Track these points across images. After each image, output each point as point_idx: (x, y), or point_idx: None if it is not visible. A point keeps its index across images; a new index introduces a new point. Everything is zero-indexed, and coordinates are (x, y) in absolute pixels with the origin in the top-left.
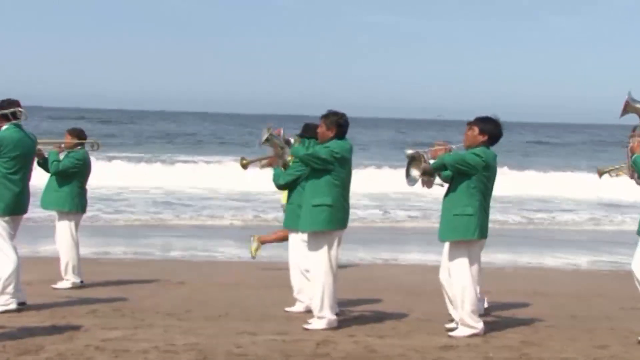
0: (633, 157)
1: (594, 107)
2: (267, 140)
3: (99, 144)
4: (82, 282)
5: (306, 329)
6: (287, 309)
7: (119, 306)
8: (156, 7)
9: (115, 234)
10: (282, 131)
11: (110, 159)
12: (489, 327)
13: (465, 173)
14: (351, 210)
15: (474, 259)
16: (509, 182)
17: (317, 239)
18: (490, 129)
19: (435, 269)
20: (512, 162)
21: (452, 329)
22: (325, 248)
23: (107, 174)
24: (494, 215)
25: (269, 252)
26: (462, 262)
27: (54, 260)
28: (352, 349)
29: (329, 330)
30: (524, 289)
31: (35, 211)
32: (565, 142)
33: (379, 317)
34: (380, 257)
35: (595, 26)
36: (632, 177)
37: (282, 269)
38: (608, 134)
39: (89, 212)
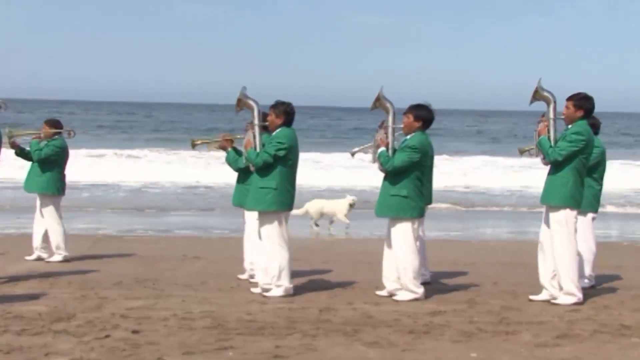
0: (539, 139)
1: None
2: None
3: (75, 132)
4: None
5: (266, 296)
6: (240, 276)
7: (142, 278)
8: (167, 11)
9: (139, 214)
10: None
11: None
12: (474, 295)
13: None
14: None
15: (413, 234)
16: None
17: (265, 217)
18: (424, 115)
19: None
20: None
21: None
22: (274, 225)
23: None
24: (480, 195)
25: None
26: (403, 235)
27: (81, 238)
28: (351, 315)
29: (329, 299)
30: (505, 260)
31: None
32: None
33: (375, 287)
34: (375, 233)
35: (570, 26)
36: (538, 156)
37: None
38: None
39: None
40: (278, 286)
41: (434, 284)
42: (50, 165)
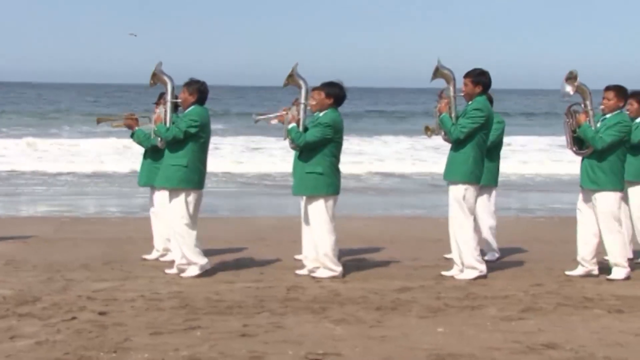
0: (440, 117)
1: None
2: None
3: None
4: None
5: (180, 276)
6: (146, 256)
7: (108, 260)
8: None
9: (107, 196)
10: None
11: None
12: (441, 270)
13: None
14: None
15: (328, 212)
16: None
17: (174, 195)
18: (336, 92)
19: (391, 220)
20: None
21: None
22: (180, 203)
23: None
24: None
25: (250, 210)
26: (319, 213)
27: (46, 221)
28: (318, 293)
29: (297, 277)
30: None
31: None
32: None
33: (342, 265)
34: (342, 210)
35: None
36: (439, 133)
37: (256, 224)
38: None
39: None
40: (193, 264)
41: (401, 261)
42: None
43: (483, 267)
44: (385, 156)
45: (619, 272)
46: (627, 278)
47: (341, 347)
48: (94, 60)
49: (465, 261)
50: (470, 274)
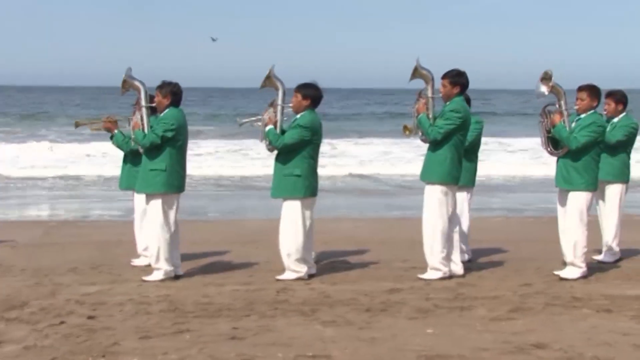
0: (418, 117)
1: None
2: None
3: None
4: None
5: (145, 280)
6: (134, 261)
7: (97, 264)
8: None
9: (94, 199)
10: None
11: None
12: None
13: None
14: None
15: (304, 215)
16: None
17: (153, 199)
18: (312, 93)
19: (381, 222)
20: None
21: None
22: (160, 206)
23: None
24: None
25: (238, 212)
26: (293, 216)
27: (34, 225)
28: (308, 295)
29: (290, 280)
30: None
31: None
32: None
33: (332, 267)
34: (331, 212)
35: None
36: (417, 133)
37: (245, 227)
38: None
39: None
40: (157, 269)
41: (390, 262)
42: None
43: (447, 269)
44: (372, 157)
45: (573, 271)
46: (584, 277)
47: (331, 348)
48: (87, 61)
49: (430, 262)
50: (434, 275)
